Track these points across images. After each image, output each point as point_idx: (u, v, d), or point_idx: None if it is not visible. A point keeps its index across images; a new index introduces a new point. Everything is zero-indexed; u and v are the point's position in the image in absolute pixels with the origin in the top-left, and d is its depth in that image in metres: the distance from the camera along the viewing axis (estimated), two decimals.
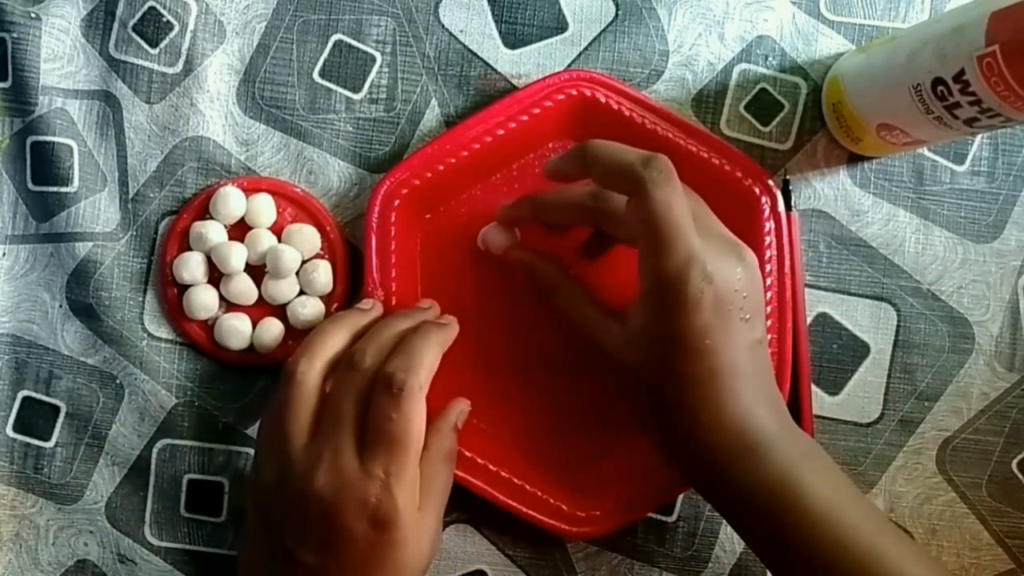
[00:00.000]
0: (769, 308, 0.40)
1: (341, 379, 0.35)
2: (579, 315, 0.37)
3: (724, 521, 0.42)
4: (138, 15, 0.42)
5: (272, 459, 0.35)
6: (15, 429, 0.42)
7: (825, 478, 0.33)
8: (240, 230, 0.41)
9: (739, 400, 0.32)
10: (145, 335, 0.42)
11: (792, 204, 0.42)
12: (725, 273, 0.32)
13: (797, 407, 0.41)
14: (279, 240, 0.41)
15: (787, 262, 0.41)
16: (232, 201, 0.41)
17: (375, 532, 0.33)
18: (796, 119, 0.43)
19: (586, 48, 0.43)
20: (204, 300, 0.41)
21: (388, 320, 0.38)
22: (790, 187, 0.42)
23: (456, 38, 0.43)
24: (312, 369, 0.35)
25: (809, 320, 0.43)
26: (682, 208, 0.32)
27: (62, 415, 0.42)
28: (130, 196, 0.42)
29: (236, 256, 0.40)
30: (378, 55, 0.43)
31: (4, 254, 0.42)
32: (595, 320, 0.36)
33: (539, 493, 0.40)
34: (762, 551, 0.34)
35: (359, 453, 0.34)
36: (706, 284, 0.31)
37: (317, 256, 0.42)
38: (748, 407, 0.32)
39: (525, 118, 0.40)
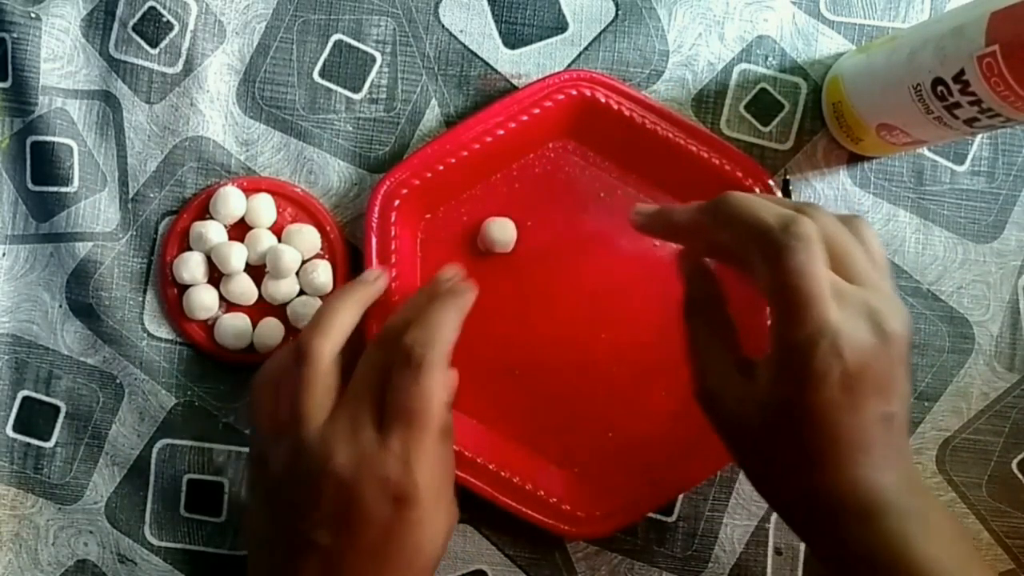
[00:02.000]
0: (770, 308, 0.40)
1: (364, 357, 0.35)
2: (707, 355, 0.34)
3: (724, 521, 0.42)
4: (138, 15, 0.42)
5: (282, 441, 0.34)
6: (15, 429, 0.42)
7: (944, 547, 0.31)
8: (240, 230, 0.41)
9: (858, 470, 0.30)
10: (145, 335, 0.42)
11: None
12: (857, 346, 0.30)
13: None
14: (279, 240, 0.41)
15: None
16: (232, 201, 0.41)
17: (394, 510, 0.32)
18: (796, 119, 0.43)
19: (586, 48, 0.43)
20: (204, 300, 0.41)
21: (412, 299, 0.37)
22: (790, 187, 0.42)
23: (456, 38, 0.43)
24: (327, 347, 0.34)
25: None
26: (818, 276, 0.30)
27: (62, 415, 0.42)
28: (130, 196, 0.42)
29: (236, 256, 0.40)
30: (378, 55, 0.43)
31: (4, 254, 0.42)
32: (722, 367, 0.34)
33: (539, 493, 0.40)
34: None
35: (378, 430, 0.33)
36: (834, 359, 0.29)
37: (317, 256, 0.42)
38: (867, 475, 0.30)
39: (525, 118, 0.40)
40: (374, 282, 0.38)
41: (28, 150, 0.42)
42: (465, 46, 0.43)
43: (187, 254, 0.41)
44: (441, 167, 0.40)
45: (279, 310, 0.41)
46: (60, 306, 0.42)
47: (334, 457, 0.32)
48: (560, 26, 0.43)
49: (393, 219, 0.40)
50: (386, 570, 0.33)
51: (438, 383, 0.33)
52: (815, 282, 0.29)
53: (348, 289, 0.37)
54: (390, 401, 0.33)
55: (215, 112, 0.42)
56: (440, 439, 0.34)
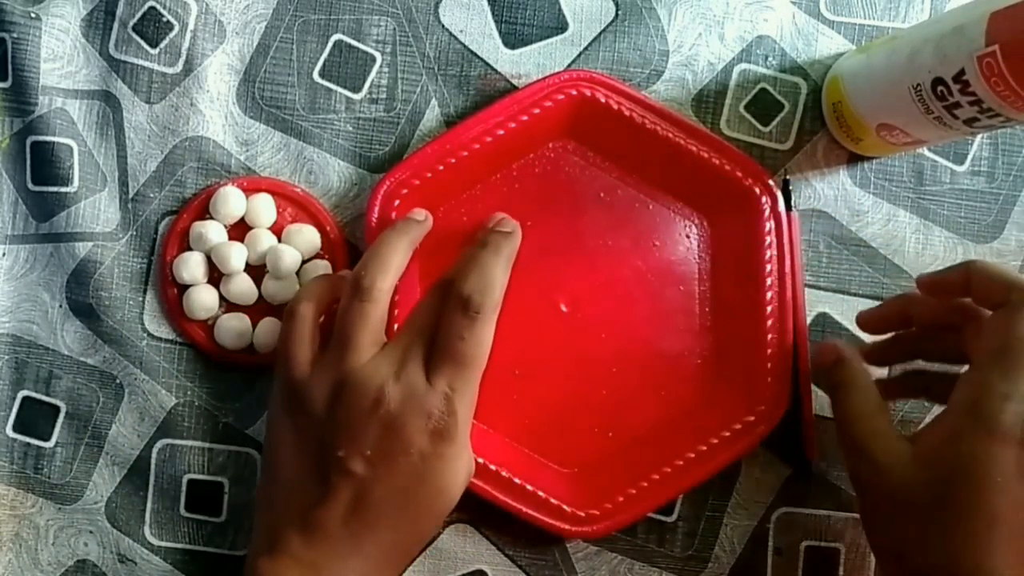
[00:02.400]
0: (770, 308, 0.40)
1: (422, 302, 0.36)
2: (865, 424, 0.35)
3: (724, 521, 0.42)
4: (138, 15, 0.42)
5: (324, 372, 0.35)
6: (15, 429, 0.42)
7: None
8: (240, 230, 0.41)
9: (990, 558, 0.30)
10: (145, 335, 0.42)
11: (792, 204, 0.42)
12: None
13: (797, 407, 0.41)
14: (279, 240, 0.41)
15: (787, 262, 0.41)
16: (232, 201, 0.41)
17: (432, 444, 0.34)
18: (796, 119, 0.43)
19: (586, 48, 0.43)
20: (204, 300, 0.41)
21: (468, 252, 0.38)
22: (790, 187, 0.42)
23: (456, 38, 0.43)
24: (388, 283, 0.36)
25: (809, 320, 0.43)
26: None
27: (62, 415, 0.42)
28: (130, 196, 0.42)
29: (236, 256, 0.40)
30: (378, 55, 0.43)
31: (4, 254, 0.42)
32: (881, 433, 0.34)
33: (539, 493, 0.40)
34: None
35: (425, 368, 0.35)
36: (1022, 421, 0.30)
37: (317, 256, 0.42)
38: (997, 564, 0.30)
39: (525, 118, 0.40)
40: (423, 221, 0.39)
41: (28, 150, 0.42)
42: (465, 46, 0.43)
43: (187, 254, 0.41)
44: (441, 167, 0.40)
45: (279, 310, 0.41)
46: (60, 306, 0.42)
47: (384, 388, 0.34)
48: (560, 26, 0.43)
49: (393, 219, 0.40)
50: (410, 507, 0.34)
51: (489, 331, 0.35)
52: None
53: (401, 228, 0.38)
54: (440, 343, 0.35)
55: (215, 112, 0.42)
56: (478, 385, 0.36)
